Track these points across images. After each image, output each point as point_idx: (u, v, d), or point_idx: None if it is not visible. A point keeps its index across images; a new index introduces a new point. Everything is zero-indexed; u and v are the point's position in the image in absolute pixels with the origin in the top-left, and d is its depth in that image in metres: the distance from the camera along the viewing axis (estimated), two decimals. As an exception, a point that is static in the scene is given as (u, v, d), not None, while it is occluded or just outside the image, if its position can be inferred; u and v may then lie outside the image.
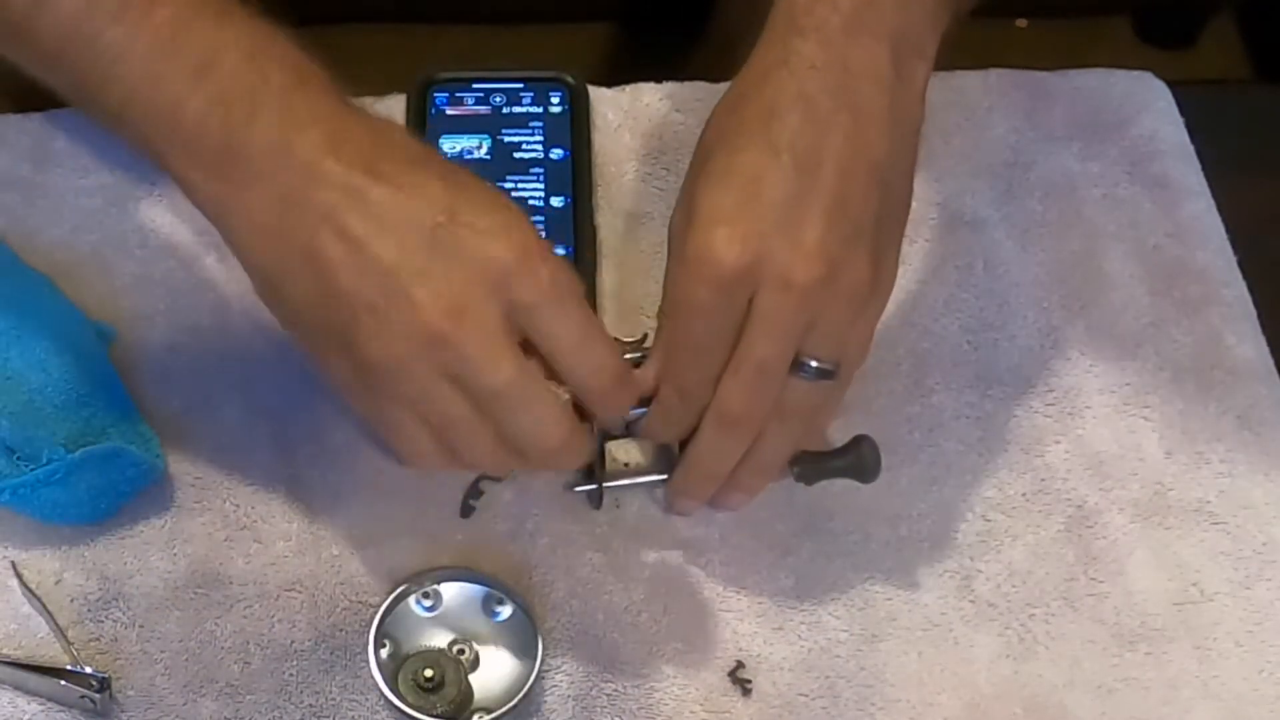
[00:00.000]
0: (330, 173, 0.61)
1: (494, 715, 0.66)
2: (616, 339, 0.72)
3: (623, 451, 0.74)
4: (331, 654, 0.69)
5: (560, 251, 0.79)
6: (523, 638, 0.69)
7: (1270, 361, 0.79)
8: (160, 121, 0.63)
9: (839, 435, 0.72)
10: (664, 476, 0.71)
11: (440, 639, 0.69)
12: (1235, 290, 0.82)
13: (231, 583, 0.70)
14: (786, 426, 0.68)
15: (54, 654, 0.67)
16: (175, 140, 0.63)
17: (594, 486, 0.71)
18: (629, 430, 0.70)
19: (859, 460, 0.70)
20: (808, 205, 0.63)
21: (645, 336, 0.71)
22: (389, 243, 0.60)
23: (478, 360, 0.61)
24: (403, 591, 0.69)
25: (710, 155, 0.66)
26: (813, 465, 0.71)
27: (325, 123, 0.62)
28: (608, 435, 0.71)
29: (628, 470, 0.73)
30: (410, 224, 0.61)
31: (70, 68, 0.63)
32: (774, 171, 0.64)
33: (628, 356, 0.71)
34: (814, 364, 0.65)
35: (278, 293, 0.64)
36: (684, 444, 0.71)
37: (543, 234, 0.79)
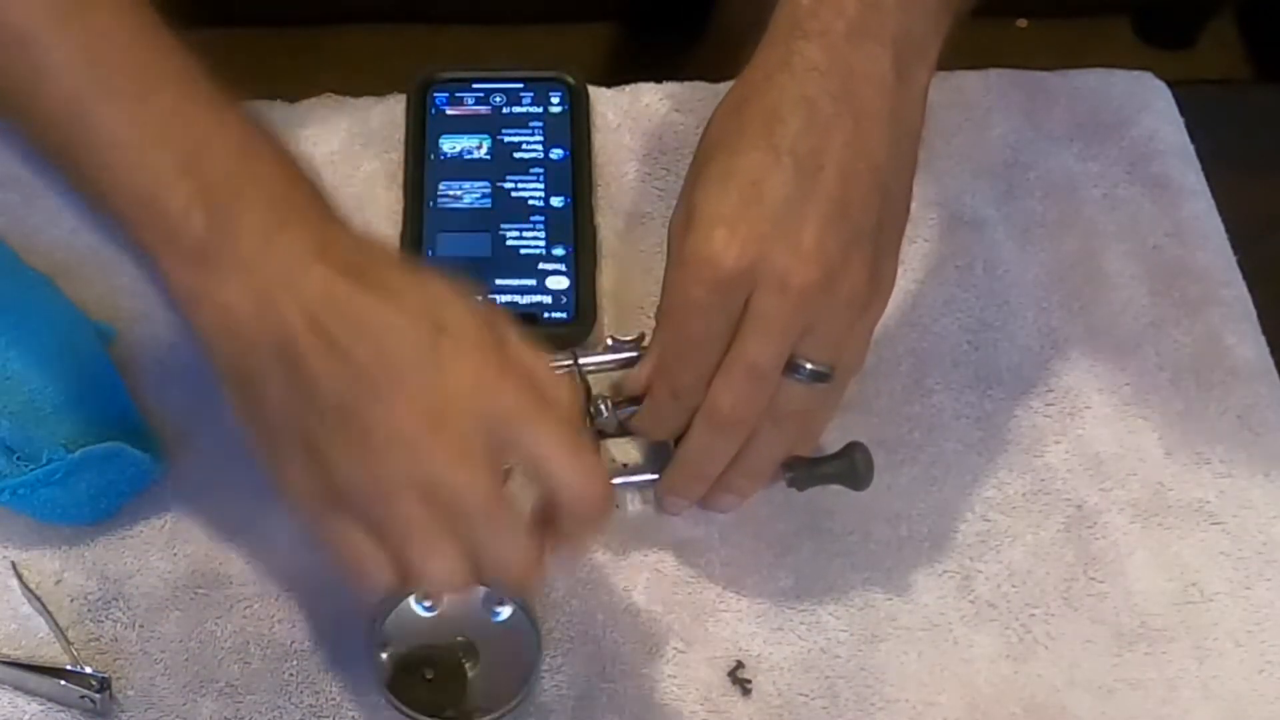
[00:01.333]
0: (315, 274, 0.60)
1: (494, 715, 0.66)
2: (614, 337, 0.72)
3: (619, 450, 0.74)
4: (331, 654, 0.69)
5: (560, 251, 0.79)
6: (523, 638, 0.69)
7: (1270, 361, 0.79)
8: (144, 208, 0.62)
9: (838, 436, 0.72)
10: (660, 476, 0.71)
11: (440, 639, 0.69)
12: (1235, 290, 0.82)
13: (231, 583, 0.70)
14: (780, 429, 0.68)
15: (54, 654, 0.67)
16: (158, 228, 0.62)
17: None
18: (624, 428, 0.70)
19: (851, 467, 0.70)
20: (808, 208, 0.63)
21: (643, 336, 0.71)
22: (370, 348, 0.59)
23: (452, 472, 0.58)
24: (403, 591, 0.69)
25: (711, 156, 0.66)
26: (805, 471, 0.71)
27: (312, 226, 0.62)
28: (603, 433, 0.71)
29: (624, 469, 0.73)
30: (393, 331, 0.59)
31: (64, 143, 0.64)
32: (775, 174, 0.64)
33: (626, 356, 0.72)
34: (809, 366, 0.65)
35: (245, 390, 0.62)
36: (679, 443, 0.72)
37: (544, 236, 0.79)
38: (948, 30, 0.68)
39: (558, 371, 0.72)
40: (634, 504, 0.73)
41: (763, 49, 0.67)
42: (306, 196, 0.63)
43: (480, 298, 0.64)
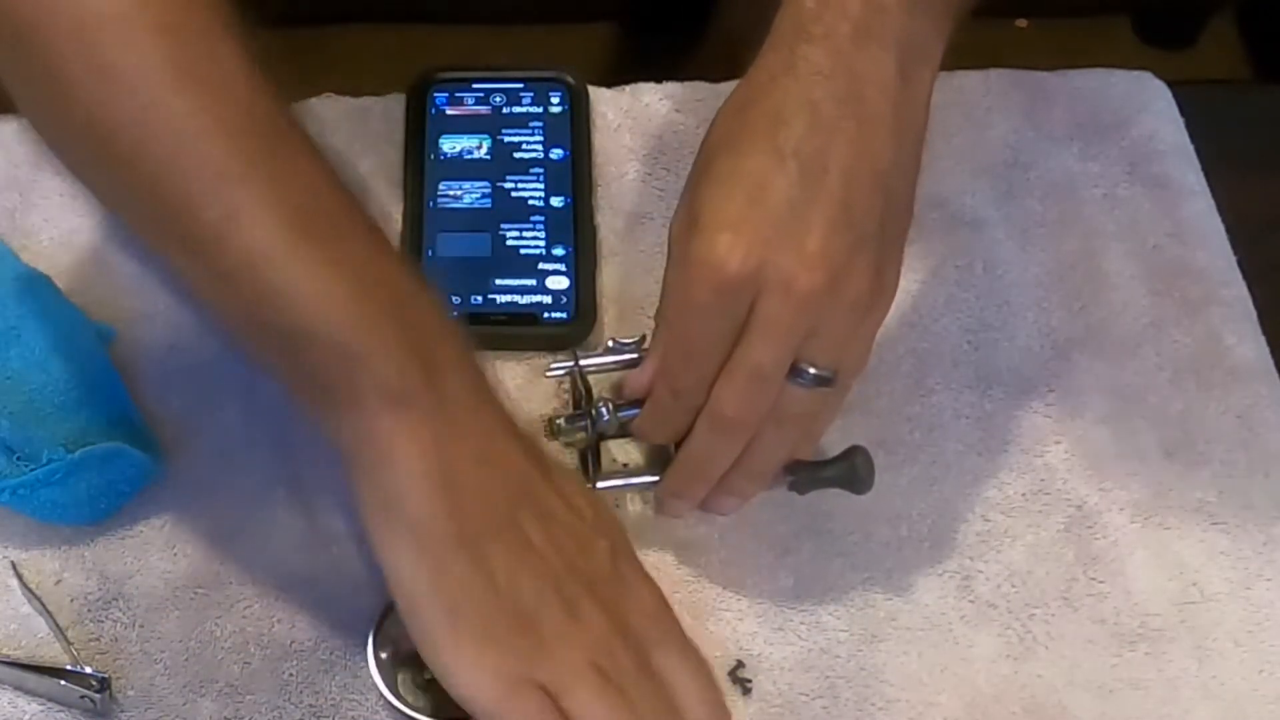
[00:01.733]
0: (516, 454, 0.63)
1: (494, 715, 0.66)
2: (614, 339, 0.72)
3: (620, 451, 0.74)
4: (331, 654, 0.69)
5: (560, 251, 0.79)
6: (523, 638, 0.69)
7: (1270, 361, 0.79)
8: (347, 356, 0.60)
9: (838, 437, 0.72)
10: (659, 478, 0.71)
11: (440, 639, 0.69)
12: (1235, 290, 0.81)
13: (231, 583, 0.70)
14: (782, 432, 0.68)
15: (54, 654, 0.67)
16: (361, 376, 0.60)
17: (589, 485, 0.71)
18: (625, 430, 0.70)
19: (852, 471, 0.70)
20: (812, 212, 0.63)
21: (644, 337, 0.71)
22: (569, 546, 0.63)
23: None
24: (403, 591, 0.69)
25: (714, 158, 0.66)
26: (806, 474, 0.71)
27: (498, 404, 0.64)
28: (603, 434, 0.71)
29: (624, 470, 0.73)
30: (582, 538, 0.64)
31: (249, 289, 0.59)
32: (779, 177, 0.64)
33: (626, 357, 0.72)
34: (811, 370, 0.65)
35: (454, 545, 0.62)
36: (679, 445, 0.72)
37: (544, 236, 0.79)
38: (950, 32, 0.68)
39: (556, 375, 0.73)
40: (634, 504, 0.73)
41: (766, 51, 0.67)
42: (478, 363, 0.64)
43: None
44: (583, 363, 0.72)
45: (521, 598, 0.61)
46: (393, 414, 0.60)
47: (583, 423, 0.70)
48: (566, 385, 0.75)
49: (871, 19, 0.65)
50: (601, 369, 0.72)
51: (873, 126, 0.65)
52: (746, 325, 0.64)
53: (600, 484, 0.71)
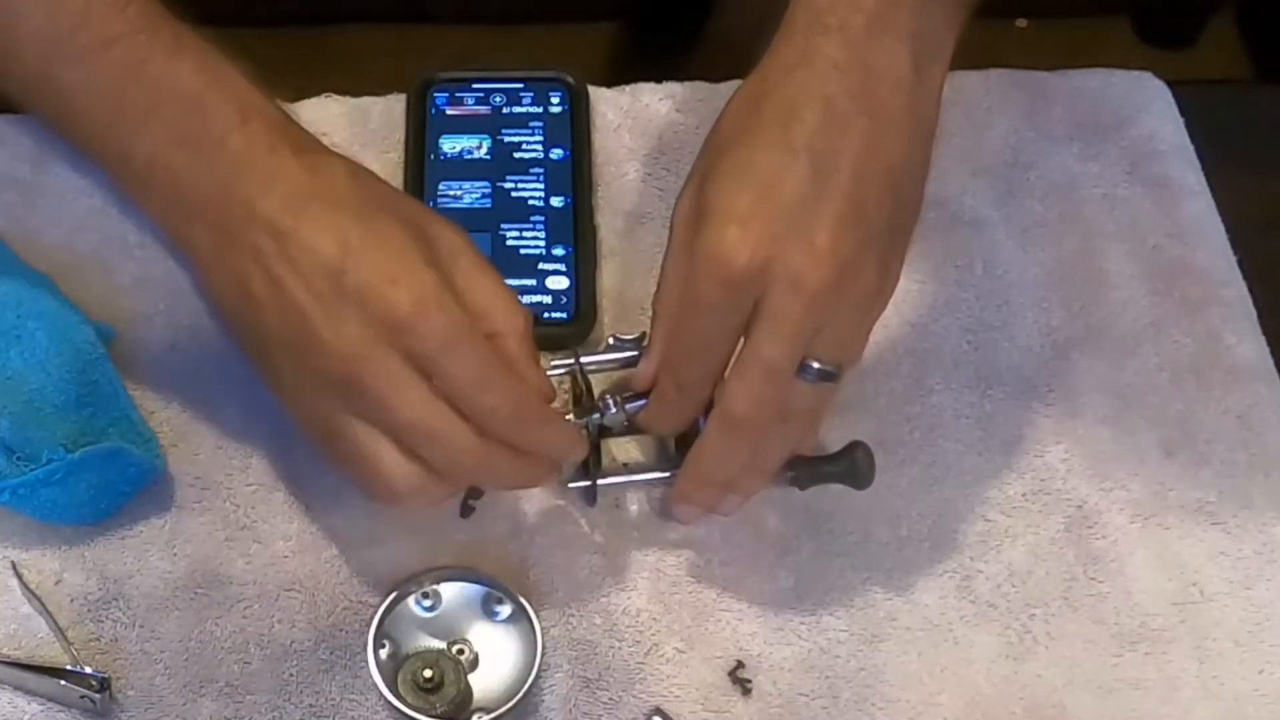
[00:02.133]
0: (260, 214, 0.64)
1: (493, 715, 0.66)
2: (615, 336, 0.72)
3: (620, 450, 0.74)
4: (331, 654, 0.69)
5: (560, 251, 0.79)
6: (522, 638, 0.69)
7: (1270, 361, 0.79)
8: (114, 161, 0.70)
9: (839, 435, 0.72)
10: (661, 474, 0.71)
11: (440, 639, 0.69)
12: (1235, 290, 0.81)
13: (231, 583, 0.70)
14: (786, 429, 0.68)
15: (54, 654, 0.67)
16: (129, 179, 0.69)
17: (589, 483, 0.71)
18: (631, 425, 0.70)
19: (853, 466, 0.70)
20: (823, 208, 0.63)
21: (644, 335, 0.71)
22: (300, 285, 0.63)
23: (382, 399, 0.63)
24: (402, 591, 0.69)
25: (725, 150, 0.66)
26: (808, 470, 0.71)
27: (260, 165, 0.66)
28: (607, 431, 0.71)
29: (624, 468, 0.73)
30: (319, 268, 0.63)
31: (42, 106, 0.70)
32: (791, 172, 0.64)
33: (627, 355, 0.71)
34: (816, 366, 0.65)
35: (228, 321, 0.71)
36: (680, 443, 0.72)
37: (544, 236, 0.79)
38: (962, 26, 0.68)
39: (557, 372, 0.73)
40: (635, 504, 0.73)
41: (779, 43, 0.66)
42: (259, 130, 0.67)
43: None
44: (584, 360, 0.72)
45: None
46: (154, 207, 0.70)
47: (583, 420, 0.70)
48: (566, 386, 0.75)
49: (886, 12, 0.65)
50: (602, 367, 0.72)
51: (886, 123, 0.65)
52: (754, 321, 0.64)
53: (601, 481, 0.71)
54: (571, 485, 0.72)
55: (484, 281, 0.66)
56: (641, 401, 0.69)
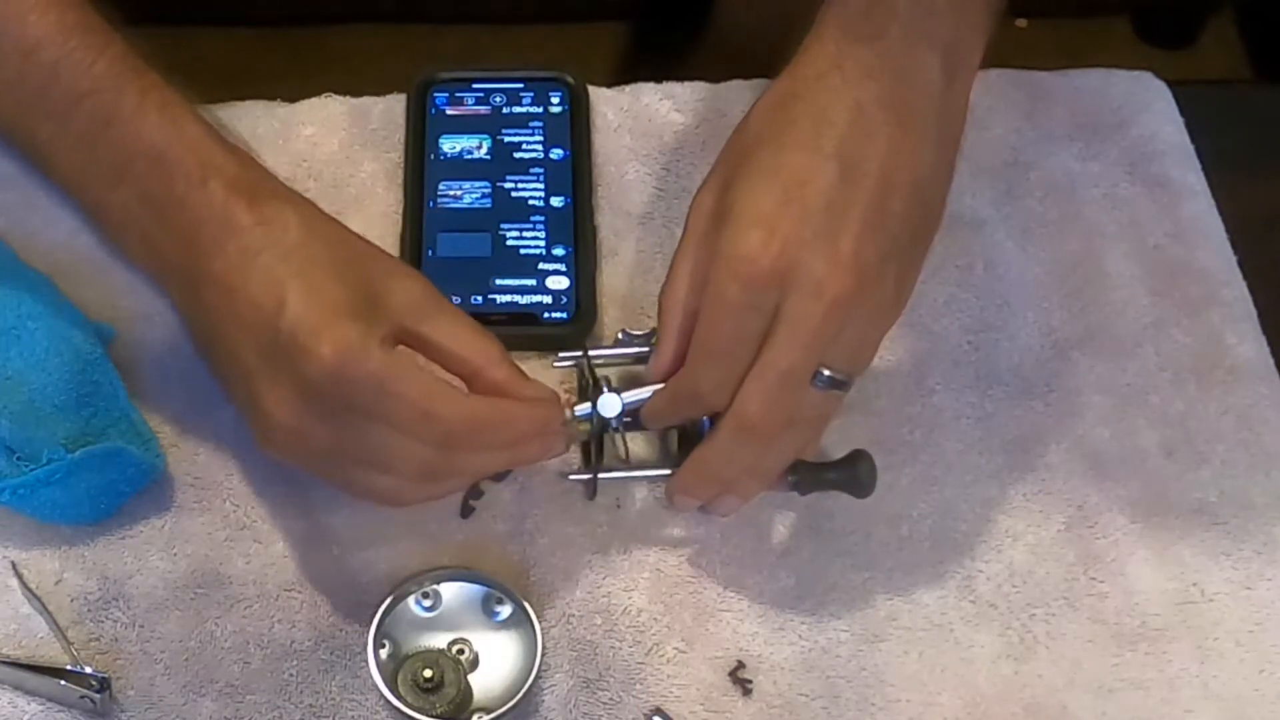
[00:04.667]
0: (214, 272, 0.66)
1: (493, 715, 0.66)
2: (625, 330, 0.72)
3: (621, 445, 0.74)
4: (331, 654, 0.69)
5: (560, 251, 0.79)
6: (522, 638, 0.69)
7: (1270, 361, 0.79)
8: (90, 210, 0.72)
9: (838, 437, 0.73)
10: (662, 472, 0.71)
11: (440, 639, 0.69)
12: (1235, 290, 0.81)
13: (231, 583, 0.70)
14: (793, 434, 0.67)
15: (54, 654, 0.67)
16: (106, 227, 0.72)
17: (589, 476, 0.71)
18: (632, 422, 0.70)
19: (855, 475, 0.70)
20: (849, 215, 0.63)
21: (653, 331, 0.70)
22: (249, 340, 0.65)
23: (330, 452, 0.65)
24: (402, 592, 0.69)
25: (753, 150, 0.65)
26: (809, 476, 0.71)
27: (215, 223, 0.66)
28: (608, 427, 0.71)
29: (625, 464, 0.73)
30: (261, 325, 0.64)
31: (22, 151, 0.73)
32: (819, 177, 0.63)
33: (636, 351, 0.71)
34: (828, 374, 0.65)
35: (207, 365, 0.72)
36: (683, 440, 0.71)
37: (544, 236, 0.79)
38: (989, 35, 0.67)
39: (564, 365, 0.72)
40: (636, 504, 0.73)
41: (810, 46, 0.66)
42: (219, 186, 0.68)
43: None
44: (591, 353, 0.72)
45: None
46: (132, 252, 0.72)
47: (588, 414, 0.70)
48: (569, 384, 0.75)
49: (922, 21, 0.65)
50: (610, 361, 0.72)
51: (915, 132, 0.64)
52: (775, 327, 0.64)
53: (602, 475, 0.71)
54: (572, 478, 0.72)
55: (447, 323, 0.66)
56: (643, 396, 0.69)
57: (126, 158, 0.68)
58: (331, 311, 0.63)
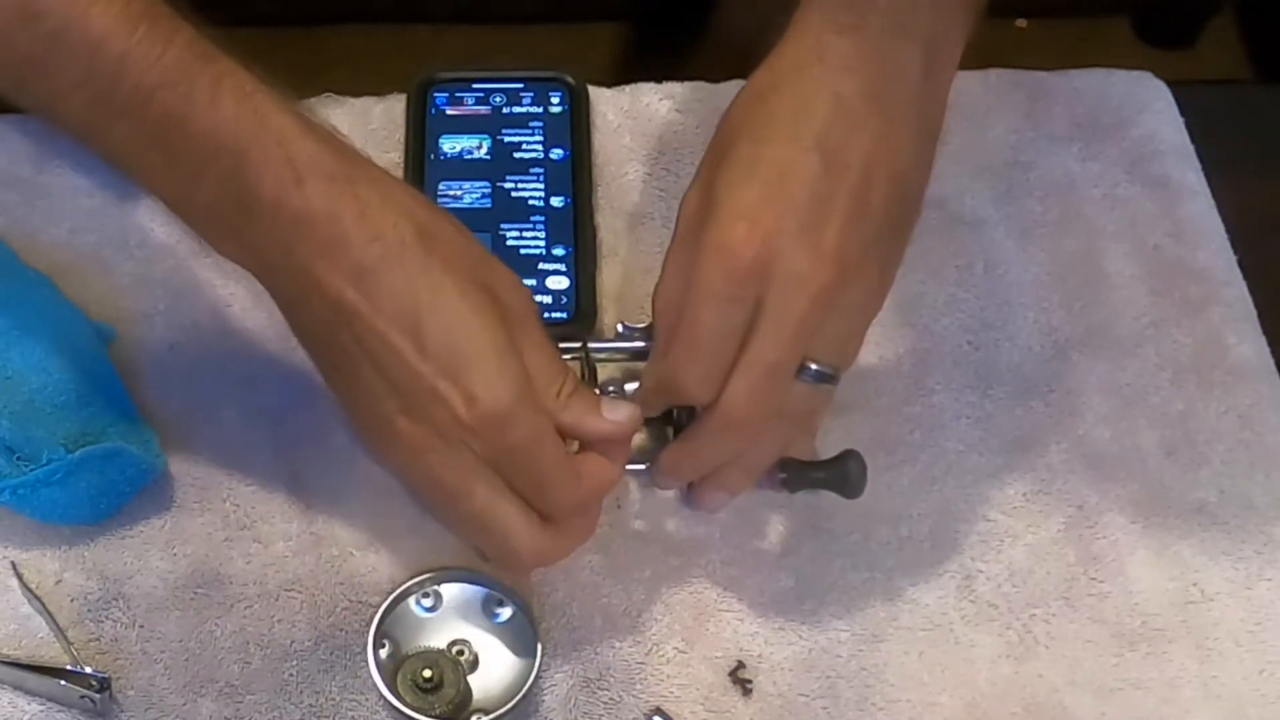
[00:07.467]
0: (329, 289, 0.62)
1: (493, 716, 0.66)
2: (624, 324, 0.72)
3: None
4: (331, 654, 0.69)
5: (560, 251, 0.79)
6: (522, 639, 0.69)
7: (1270, 361, 0.79)
8: (177, 208, 0.66)
9: (838, 437, 0.73)
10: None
11: (440, 639, 0.69)
12: (1235, 290, 0.81)
13: (231, 583, 0.70)
14: (779, 429, 0.68)
15: (54, 654, 0.67)
16: (195, 226, 0.66)
17: None
18: None
19: (844, 474, 0.70)
20: (831, 206, 0.63)
21: (653, 324, 0.70)
22: (372, 371, 0.63)
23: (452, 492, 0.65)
24: (403, 592, 0.69)
25: (734, 142, 0.65)
26: (798, 472, 0.71)
27: (321, 232, 0.62)
28: None
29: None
30: (392, 355, 0.62)
31: (99, 153, 0.66)
32: (801, 169, 0.63)
33: (635, 345, 0.71)
34: (814, 367, 0.65)
35: (314, 362, 0.67)
36: (678, 429, 0.71)
37: (544, 236, 0.79)
38: (971, 29, 0.68)
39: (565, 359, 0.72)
40: (636, 504, 0.73)
41: (790, 39, 0.66)
42: (315, 187, 0.64)
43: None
44: (591, 347, 0.72)
45: None
46: (220, 244, 0.65)
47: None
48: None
49: (903, 13, 0.65)
50: (610, 356, 0.72)
51: (896, 124, 0.64)
52: (758, 320, 0.64)
53: None
54: None
55: (540, 345, 0.65)
56: (634, 385, 0.69)
57: (206, 156, 0.63)
58: (482, 347, 0.62)
